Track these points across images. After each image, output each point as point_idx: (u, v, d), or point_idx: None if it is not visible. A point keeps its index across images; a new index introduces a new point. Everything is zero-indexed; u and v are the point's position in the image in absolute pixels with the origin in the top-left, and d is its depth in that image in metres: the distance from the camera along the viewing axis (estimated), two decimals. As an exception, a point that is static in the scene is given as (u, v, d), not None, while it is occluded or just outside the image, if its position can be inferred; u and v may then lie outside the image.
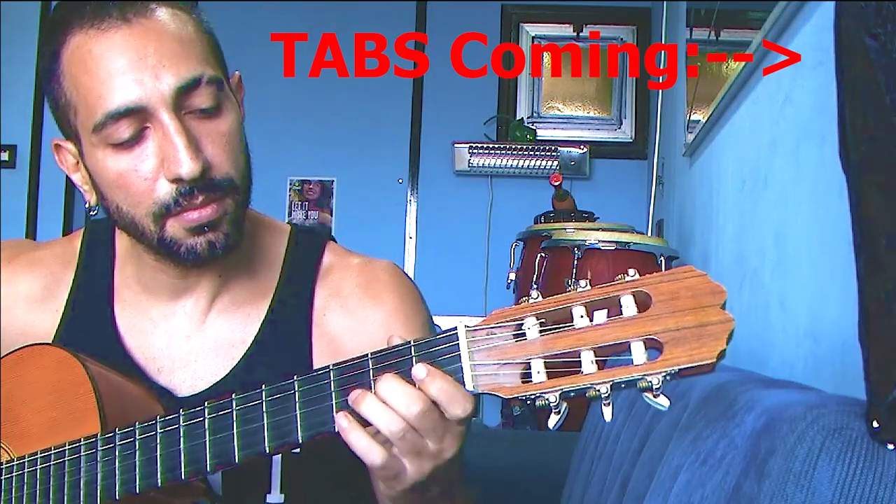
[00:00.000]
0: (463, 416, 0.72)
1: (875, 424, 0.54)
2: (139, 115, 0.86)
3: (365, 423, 0.74)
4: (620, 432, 1.28)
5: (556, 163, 3.92)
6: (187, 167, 0.86)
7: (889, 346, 0.54)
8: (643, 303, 0.65)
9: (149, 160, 0.88)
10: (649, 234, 3.04)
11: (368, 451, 0.74)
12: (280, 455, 0.98)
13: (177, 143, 0.86)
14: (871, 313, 0.56)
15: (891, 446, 0.54)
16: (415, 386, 0.72)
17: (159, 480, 0.81)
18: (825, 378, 1.09)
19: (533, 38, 4.15)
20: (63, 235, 3.83)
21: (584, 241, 2.37)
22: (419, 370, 0.71)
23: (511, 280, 2.84)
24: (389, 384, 0.72)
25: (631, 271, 0.66)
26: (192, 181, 0.87)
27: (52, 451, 0.88)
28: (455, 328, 0.71)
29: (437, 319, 1.11)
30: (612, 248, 2.35)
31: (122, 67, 0.85)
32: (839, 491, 0.54)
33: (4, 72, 3.84)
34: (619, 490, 1.11)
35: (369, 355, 0.74)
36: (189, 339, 1.02)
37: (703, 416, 0.85)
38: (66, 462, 0.86)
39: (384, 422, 0.72)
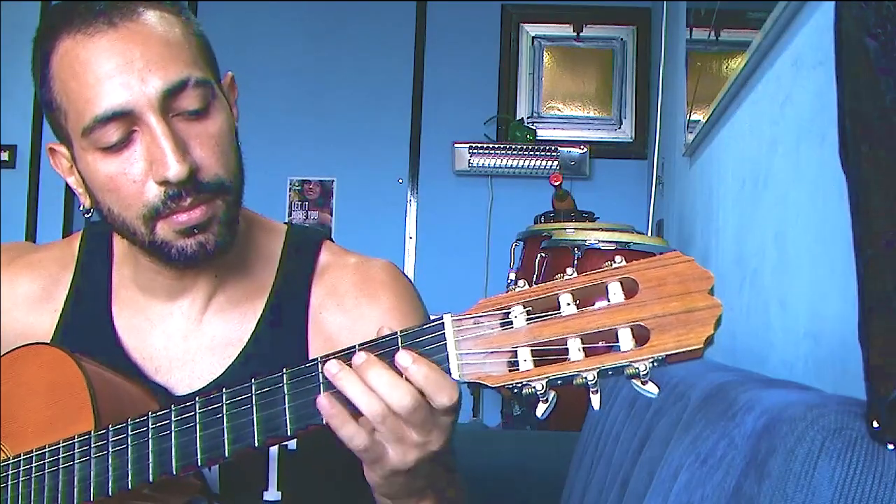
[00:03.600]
0: (449, 404, 0.72)
1: (875, 424, 0.54)
2: (127, 119, 0.87)
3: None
4: (620, 432, 1.27)
5: (556, 163, 3.92)
6: (174, 170, 0.86)
7: (889, 346, 0.54)
8: (630, 289, 0.65)
9: (137, 163, 0.88)
10: (649, 234, 3.04)
11: (354, 436, 0.74)
12: (277, 452, 0.98)
13: (164, 145, 0.86)
14: (871, 313, 0.56)
15: (891, 446, 0.54)
16: (402, 377, 0.72)
17: (151, 476, 0.81)
18: (825, 378, 1.09)
19: (533, 38, 4.15)
20: (63, 235, 3.84)
21: (584, 241, 2.37)
22: (404, 358, 0.71)
23: (511, 280, 2.84)
24: (379, 372, 0.72)
25: (618, 258, 0.66)
26: (179, 183, 0.87)
27: (47, 450, 0.88)
28: (442, 317, 0.71)
29: (436, 319, 1.11)
30: (612, 248, 2.35)
31: (109, 72, 0.86)
32: (839, 491, 0.54)
33: (4, 72, 3.84)
34: (619, 490, 1.11)
35: (357, 347, 0.74)
36: (186, 338, 1.02)
37: (703, 416, 0.85)
38: (60, 459, 0.87)
39: (366, 405, 0.72)
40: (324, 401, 0.74)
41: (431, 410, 0.73)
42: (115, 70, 0.86)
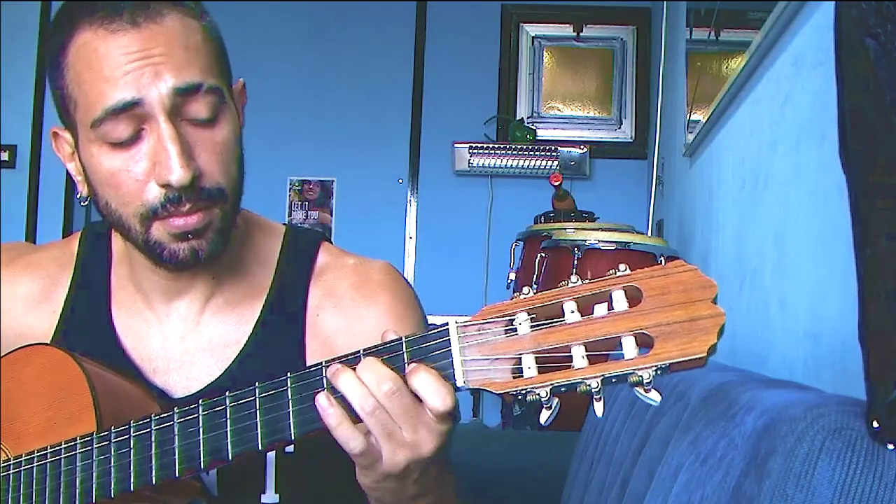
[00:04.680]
0: (442, 408, 0.72)
1: (875, 425, 0.54)
2: (136, 114, 0.87)
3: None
4: (620, 432, 1.27)
5: (556, 163, 3.92)
6: (177, 175, 0.86)
7: (889, 346, 0.54)
8: (634, 298, 0.65)
9: (142, 162, 0.89)
10: (649, 234, 3.04)
11: (350, 438, 0.74)
12: (275, 455, 0.99)
13: (169, 149, 0.86)
14: (871, 313, 0.56)
15: (891, 446, 0.54)
16: (393, 371, 0.73)
17: (154, 478, 0.81)
18: (825, 378, 1.09)
19: (533, 38, 4.15)
20: (63, 235, 3.83)
21: (584, 241, 2.37)
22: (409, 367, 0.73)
23: (511, 280, 2.84)
24: (366, 364, 0.73)
25: (622, 266, 0.66)
26: (180, 189, 0.87)
27: (49, 450, 0.88)
28: (447, 324, 0.71)
29: (436, 319, 1.11)
30: (612, 248, 2.35)
31: (126, 67, 0.86)
32: (839, 491, 0.54)
33: (4, 72, 3.84)
34: (619, 490, 1.11)
35: (361, 352, 0.75)
36: (184, 339, 1.02)
37: (703, 416, 0.85)
38: (63, 461, 0.87)
39: (356, 397, 0.73)
40: (323, 399, 0.75)
41: (416, 403, 0.73)
42: (131, 66, 0.86)
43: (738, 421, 0.73)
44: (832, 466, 0.55)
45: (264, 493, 0.99)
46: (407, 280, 1.09)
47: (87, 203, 0.97)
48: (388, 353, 0.73)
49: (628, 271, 0.66)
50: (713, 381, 0.93)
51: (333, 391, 0.75)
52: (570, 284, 0.67)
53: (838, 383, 1.03)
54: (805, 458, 0.57)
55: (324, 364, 0.76)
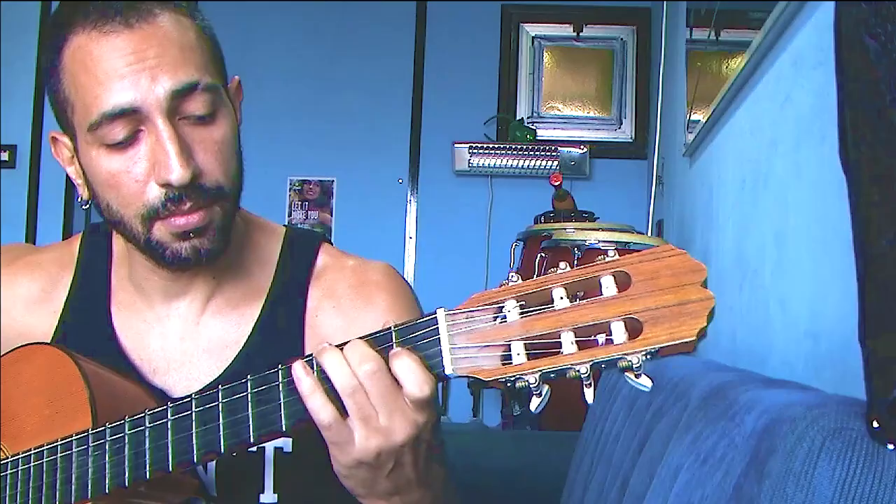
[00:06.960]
0: (419, 395, 0.71)
1: (875, 424, 0.54)
2: (134, 117, 0.87)
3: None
4: (620, 432, 1.28)
5: (556, 163, 3.92)
6: (177, 174, 0.86)
7: (889, 345, 0.54)
8: (623, 283, 0.65)
9: (141, 163, 0.89)
10: (649, 234, 3.04)
11: (321, 408, 0.73)
12: (273, 454, 0.99)
13: (168, 149, 0.87)
14: (871, 313, 0.56)
15: (891, 446, 0.54)
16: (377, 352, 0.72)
17: (148, 472, 0.81)
18: (825, 378, 1.09)
19: (533, 38, 4.15)
20: (63, 235, 3.82)
21: (584, 241, 2.37)
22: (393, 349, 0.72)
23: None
24: (351, 344, 0.73)
25: (611, 252, 0.67)
26: (181, 187, 0.88)
27: (45, 448, 0.88)
28: (435, 312, 0.71)
29: (436, 319, 1.11)
30: (612, 248, 2.35)
31: (121, 70, 0.86)
32: (839, 491, 0.54)
33: (4, 72, 3.84)
34: (619, 490, 1.11)
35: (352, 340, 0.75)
36: (183, 340, 1.02)
37: (703, 416, 0.85)
38: (59, 458, 0.87)
39: (338, 375, 0.73)
40: (299, 368, 0.74)
41: (394, 387, 0.73)
42: (126, 69, 0.86)
43: (738, 421, 0.74)
44: (832, 466, 0.55)
45: (263, 492, 0.99)
46: (406, 281, 1.10)
47: (88, 206, 0.97)
48: (378, 342, 0.74)
49: (617, 257, 0.66)
50: (713, 381, 0.93)
51: (320, 371, 0.75)
52: (560, 271, 0.67)
53: (838, 383, 1.03)
54: (805, 458, 0.57)
55: (314, 355, 0.76)
